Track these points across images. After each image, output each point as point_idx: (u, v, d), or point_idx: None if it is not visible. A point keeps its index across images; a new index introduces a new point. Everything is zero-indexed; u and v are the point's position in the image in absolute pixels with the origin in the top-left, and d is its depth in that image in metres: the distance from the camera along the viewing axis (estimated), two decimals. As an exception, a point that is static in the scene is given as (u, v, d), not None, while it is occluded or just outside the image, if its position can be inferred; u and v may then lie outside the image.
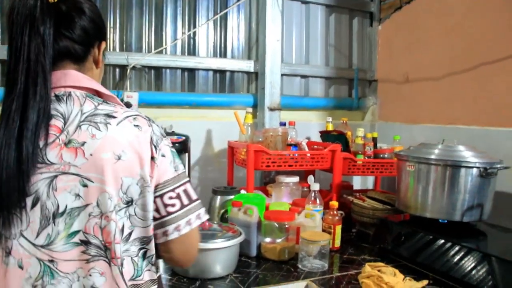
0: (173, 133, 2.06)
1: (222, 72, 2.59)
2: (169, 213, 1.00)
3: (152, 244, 1.00)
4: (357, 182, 2.84)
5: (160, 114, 2.40)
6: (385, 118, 2.86)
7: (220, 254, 1.53)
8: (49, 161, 0.90)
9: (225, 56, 2.60)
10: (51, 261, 0.91)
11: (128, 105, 2.22)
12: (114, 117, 0.96)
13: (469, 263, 1.47)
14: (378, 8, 2.95)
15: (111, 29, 2.32)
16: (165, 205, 1.00)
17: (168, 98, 2.44)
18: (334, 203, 1.86)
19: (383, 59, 2.92)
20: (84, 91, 0.99)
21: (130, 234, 0.95)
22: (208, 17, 2.54)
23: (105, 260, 0.92)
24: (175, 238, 1.01)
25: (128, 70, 2.32)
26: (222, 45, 2.60)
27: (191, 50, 2.52)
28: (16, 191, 0.88)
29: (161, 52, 2.41)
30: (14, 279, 0.91)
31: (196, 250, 1.09)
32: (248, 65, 2.60)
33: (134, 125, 0.97)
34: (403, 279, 1.46)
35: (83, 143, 0.91)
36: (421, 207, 1.75)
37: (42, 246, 0.91)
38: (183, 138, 2.02)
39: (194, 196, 1.05)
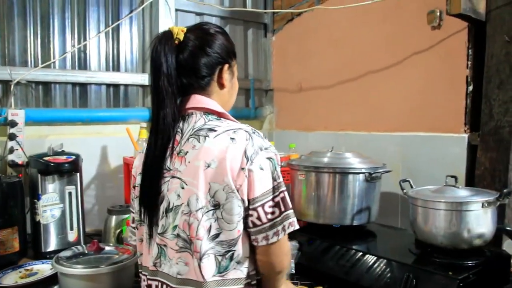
0: (62, 153, 1.96)
1: (115, 86, 2.51)
2: (269, 220, 1.10)
3: (239, 245, 1.10)
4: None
5: (50, 132, 2.28)
6: (282, 127, 2.95)
7: (114, 279, 1.48)
8: (168, 167, 1.14)
9: (118, 69, 2.53)
10: (165, 245, 1.13)
11: (13, 123, 2.09)
12: (215, 130, 1.12)
13: (359, 264, 1.55)
14: (272, 19, 3.04)
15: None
16: (266, 213, 1.09)
17: (59, 115, 2.32)
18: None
19: (277, 69, 3.01)
20: (204, 110, 1.18)
21: (217, 235, 1.08)
22: (99, 29, 2.46)
23: (189, 252, 1.09)
24: (274, 242, 1.11)
25: (12, 86, 2.17)
26: (115, 58, 2.53)
27: (82, 64, 2.43)
28: (154, 191, 1.15)
29: (49, 66, 2.29)
30: (149, 254, 1.18)
31: (288, 254, 1.22)
32: (143, 78, 2.55)
33: (230, 138, 1.10)
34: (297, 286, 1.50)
35: (186, 152, 1.12)
36: (314, 214, 1.82)
37: (159, 234, 1.14)
38: (73, 157, 1.93)
39: (289, 204, 1.14)
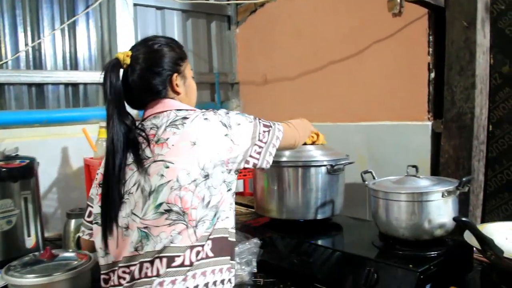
0: (16, 157, 1.88)
1: (74, 85, 2.43)
2: (266, 143, 1.32)
3: (223, 204, 1.22)
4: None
5: (6, 135, 2.20)
6: (249, 120, 2.90)
7: (68, 286, 1.42)
8: (147, 156, 1.20)
9: (76, 68, 2.45)
10: (146, 227, 1.16)
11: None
12: (188, 117, 1.24)
13: (322, 260, 1.51)
14: (235, 11, 2.98)
15: None
16: (263, 142, 1.31)
17: (14, 117, 2.23)
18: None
19: (242, 61, 2.96)
20: (170, 110, 1.29)
21: (209, 202, 1.19)
22: (54, 27, 2.37)
23: (183, 223, 1.15)
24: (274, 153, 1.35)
25: (-39, 89, 2.09)
26: (72, 56, 2.45)
27: (37, 64, 2.34)
28: (117, 184, 1.21)
29: (0, 67, 2.20)
30: (126, 244, 1.19)
31: (290, 137, 1.48)
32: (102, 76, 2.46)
33: (204, 119, 1.24)
34: None
35: (167, 138, 1.20)
36: (277, 210, 1.78)
37: (141, 218, 1.17)
38: (27, 161, 1.85)
39: (267, 123, 1.36)
